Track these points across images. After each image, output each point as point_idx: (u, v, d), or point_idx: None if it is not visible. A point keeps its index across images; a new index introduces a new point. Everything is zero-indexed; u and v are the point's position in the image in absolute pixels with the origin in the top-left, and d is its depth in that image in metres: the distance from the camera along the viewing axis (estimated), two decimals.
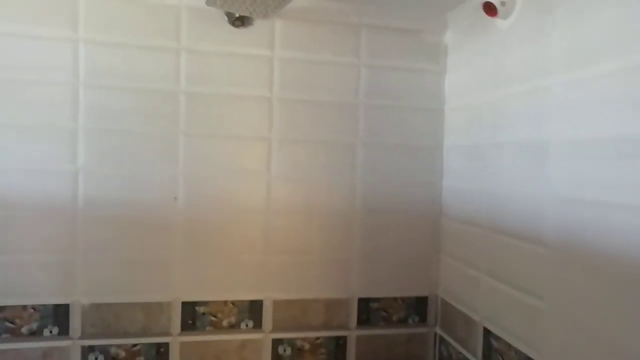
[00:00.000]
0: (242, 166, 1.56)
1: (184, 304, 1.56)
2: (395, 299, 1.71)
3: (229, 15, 1.48)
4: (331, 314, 1.66)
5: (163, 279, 1.54)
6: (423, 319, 1.73)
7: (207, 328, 1.58)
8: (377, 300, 1.70)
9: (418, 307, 1.73)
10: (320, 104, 1.61)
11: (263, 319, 1.62)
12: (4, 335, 1.45)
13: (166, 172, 1.51)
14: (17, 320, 1.46)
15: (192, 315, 1.57)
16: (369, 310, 1.69)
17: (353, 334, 1.67)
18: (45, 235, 1.45)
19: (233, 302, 1.59)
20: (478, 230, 1.45)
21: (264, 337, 1.62)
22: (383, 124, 1.66)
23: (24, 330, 1.46)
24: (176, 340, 1.56)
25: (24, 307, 1.46)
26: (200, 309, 1.57)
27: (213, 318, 1.58)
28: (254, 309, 1.61)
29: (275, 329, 1.62)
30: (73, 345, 1.49)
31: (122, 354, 1.52)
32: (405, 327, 1.71)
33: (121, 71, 1.46)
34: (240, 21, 1.48)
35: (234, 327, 1.60)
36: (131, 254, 1.51)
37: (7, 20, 1.39)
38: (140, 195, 1.49)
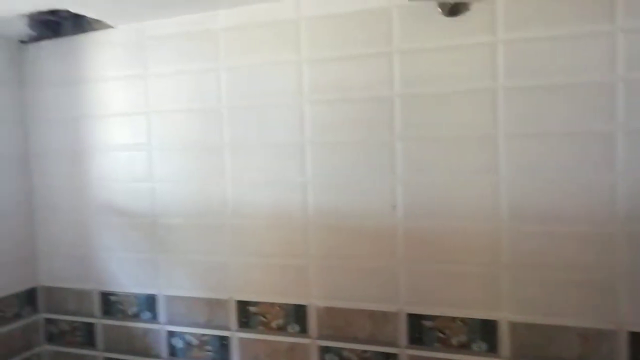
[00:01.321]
0: (465, 168, 1.40)
1: (409, 315, 1.49)
2: None
3: (442, 5, 1.36)
4: (589, 347, 1.33)
5: (387, 288, 1.51)
6: None
7: (435, 344, 1.47)
8: None
9: None
10: (558, 87, 1.31)
11: (498, 342, 1.41)
12: (259, 327, 1.67)
13: (384, 179, 1.48)
14: (268, 315, 1.66)
15: (419, 329, 1.49)
16: None
17: None
18: (283, 241, 1.60)
19: (462, 320, 1.44)
20: None
21: None
22: None
23: (273, 324, 1.65)
24: (404, 353, 1.50)
25: (272, 304, 1.65)
26: (427, 323, 1.48)
27: (441, 334, 1.47)
28: (487, 330, 1.42)
29: (515, 356, 1.40)
30: (312, 344, 1.60)
31: (354, 358, 1.56)
32: None
33: (337, 84, 1.50)
34: (455, 9, 1.34)
35: (464, 347, 1.45)
36: (356, 261, 1.53)
37: (243, 53, 1.61)
38: (361, 204, 1.51)
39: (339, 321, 1.57)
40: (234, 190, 1.65)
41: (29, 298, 1.94)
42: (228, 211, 1.67)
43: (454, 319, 1.45)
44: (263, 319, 1.66)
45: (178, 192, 1.73)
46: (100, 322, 1.89)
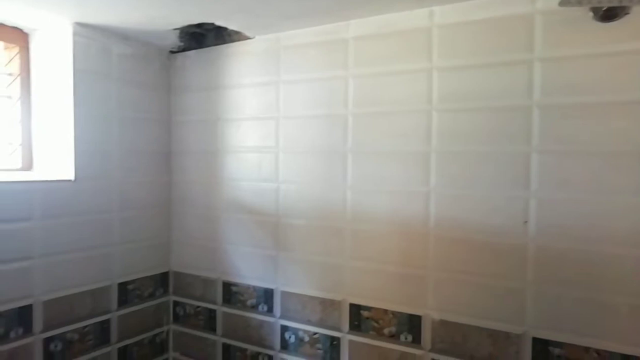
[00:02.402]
0: (616, 187, 1.28)
1: (535, 340, 1.40)
2: None
3: (595, 10, 1.26)
4: None
5: (512, 307, 1.43)
6: None
7: None
8: None
9: None
10: None
11: None
12: (370, 332, 1.68)
13: (516, 193, 1.41)
14: (380, 322, 1.66)
15: (545, 355, 1.39)
16: None
17: None
18: (402, 250, 1.60)
19: (597, 352, 1.32)
20: None
21: None
22: None
23: (385, 331, 1.65)
24: None
25: (385, 311, 1.65)
26: (556, 350, 1.38)
27: None
28: None
29: None
30: (424, 355, 1.58)
31: None
32: None
33: (470, 92, 1.47)
34: (610, 13, 1.24)
35: None
36: (479, 276, 1.47)
37: (373, 61, 1.63)
38: (487, 217, 1.45)
39: (455, 336, 1.53)
40: (354, 195, 1.69)
41: (161, 281, 2.15)
42: (348, 215, 1.70)
43: (587, 349, 1.33)
44: (375, 324, 1.67)
45: (301, 193, 1.81)
46: (221, 310, 2.04)
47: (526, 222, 1.39)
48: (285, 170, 1.84)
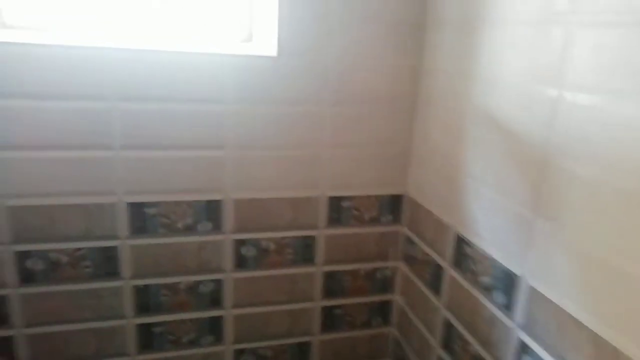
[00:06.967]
0: None
1: None
2: None
3: None
4: None
5: None
6: None
7: None
8: None
9: None
10: None
11: None
12: None
13: None
14: None
15: None
16: None
17: None
18: None
19: None
20: None
21: None
22: None
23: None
24: None
25: None
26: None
27: None
28: None
29: None
30: None
31: None
32: None
33: None
34: None
35: None
36: None
37: None
38: None
39: None
40: None
41: (390, 205, 1.60)
42: None
43: None
44: None
45: (601, 113, 0.83)
46: (449, 272, 1.36)
47: None
48: (578, 62, 0.88)
